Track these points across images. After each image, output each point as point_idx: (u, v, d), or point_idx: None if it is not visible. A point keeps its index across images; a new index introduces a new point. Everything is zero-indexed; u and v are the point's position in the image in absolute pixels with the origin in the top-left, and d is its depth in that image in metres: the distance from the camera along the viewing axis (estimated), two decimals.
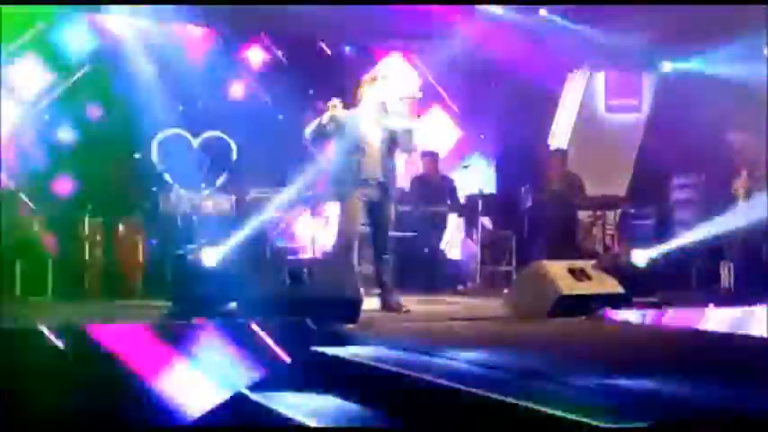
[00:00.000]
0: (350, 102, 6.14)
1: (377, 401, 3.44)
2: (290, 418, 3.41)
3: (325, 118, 5.82)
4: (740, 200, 7.39)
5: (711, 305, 5.53)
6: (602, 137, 10.24)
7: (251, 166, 8.82)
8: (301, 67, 9.31)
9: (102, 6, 8.40)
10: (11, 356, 3.90)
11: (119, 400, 3.95)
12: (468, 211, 8.97)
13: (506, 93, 9.69)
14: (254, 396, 3.85)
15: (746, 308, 5.34)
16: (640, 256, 6.20)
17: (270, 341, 4.38)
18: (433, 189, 9.03)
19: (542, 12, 9.32)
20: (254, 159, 8.84)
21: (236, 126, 8.96)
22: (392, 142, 6.04)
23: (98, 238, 7.49)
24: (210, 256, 5.36)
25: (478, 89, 9.97)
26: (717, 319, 5.20)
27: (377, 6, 8.37)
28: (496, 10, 9.10)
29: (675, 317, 5.35)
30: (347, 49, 9.79)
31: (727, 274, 7.13)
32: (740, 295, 6.26)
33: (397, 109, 6.02)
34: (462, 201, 9.14)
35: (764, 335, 4.56)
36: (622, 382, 3.02)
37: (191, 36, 9.07)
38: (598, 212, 9.03)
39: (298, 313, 4.68)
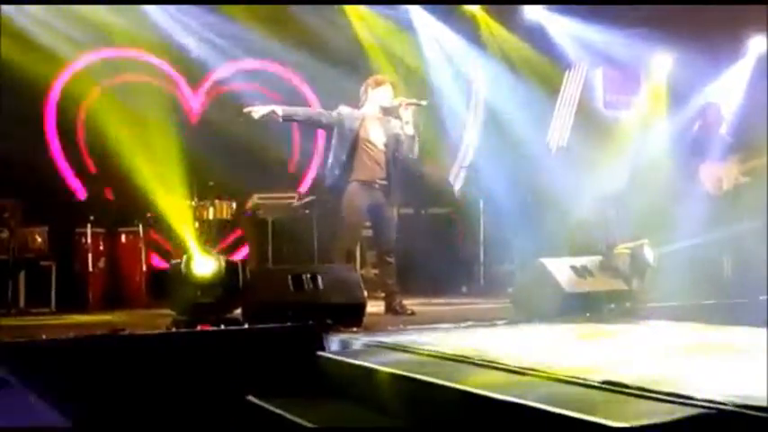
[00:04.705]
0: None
1: (382, 405, 3.44)
2: (297, 424, 3.41)
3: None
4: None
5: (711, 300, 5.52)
6: (600, 133, 10.23)
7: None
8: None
9: None
10: None
11: (124, 408, 3.95)
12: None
13: None
14: (260, 402, 3.85)
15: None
16: (644, 253, 6.15)
17: (274, 347, 4.38)
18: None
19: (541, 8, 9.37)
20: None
21: None
22: (395, 147, 6.04)
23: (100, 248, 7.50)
24: (215, 263, 5.33)
25: None
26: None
27: None
28: None
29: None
30: None
31: (728, 269, 7.12)
32: (743, 290, 6.23)
33: (401, 114, 6.00)
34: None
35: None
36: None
37: None
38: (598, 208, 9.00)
39: (302, 318, 4.68)
